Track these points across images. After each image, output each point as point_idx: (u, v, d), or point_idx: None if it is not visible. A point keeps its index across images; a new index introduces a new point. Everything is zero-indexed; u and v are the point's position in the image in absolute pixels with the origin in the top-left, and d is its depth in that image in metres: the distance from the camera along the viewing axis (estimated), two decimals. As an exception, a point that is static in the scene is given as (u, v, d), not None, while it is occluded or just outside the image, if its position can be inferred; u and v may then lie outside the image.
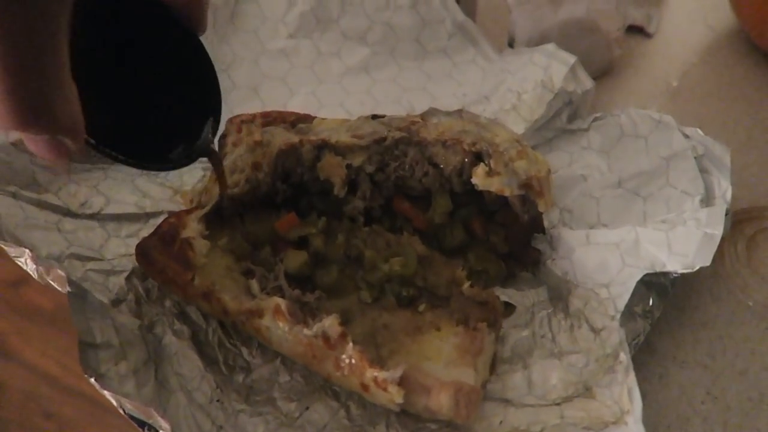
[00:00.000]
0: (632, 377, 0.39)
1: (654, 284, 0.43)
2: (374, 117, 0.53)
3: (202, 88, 0.41)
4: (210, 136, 0.41)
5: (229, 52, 0.71)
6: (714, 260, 0.52)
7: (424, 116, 0.59)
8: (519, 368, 0.44)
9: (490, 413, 0.41)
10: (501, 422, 0.41)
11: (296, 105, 0.68)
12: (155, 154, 0.39)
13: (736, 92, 0.72)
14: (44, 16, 0.25)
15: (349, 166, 0.48)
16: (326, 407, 0.43)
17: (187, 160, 0.41)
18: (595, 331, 0.44)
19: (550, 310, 0.47)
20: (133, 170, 0.59)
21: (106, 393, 0.38)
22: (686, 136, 0.52)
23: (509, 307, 0.49)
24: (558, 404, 0.41)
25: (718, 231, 0.43)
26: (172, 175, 0.60)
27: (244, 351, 0.46)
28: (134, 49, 0.37)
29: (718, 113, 0.70)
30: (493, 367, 0.44)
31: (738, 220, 0.55)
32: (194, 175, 0.60)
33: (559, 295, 0.47)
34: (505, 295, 0.49)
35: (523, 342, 0.46)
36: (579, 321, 0.45)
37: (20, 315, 0.48)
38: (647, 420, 0.42)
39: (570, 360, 0.43)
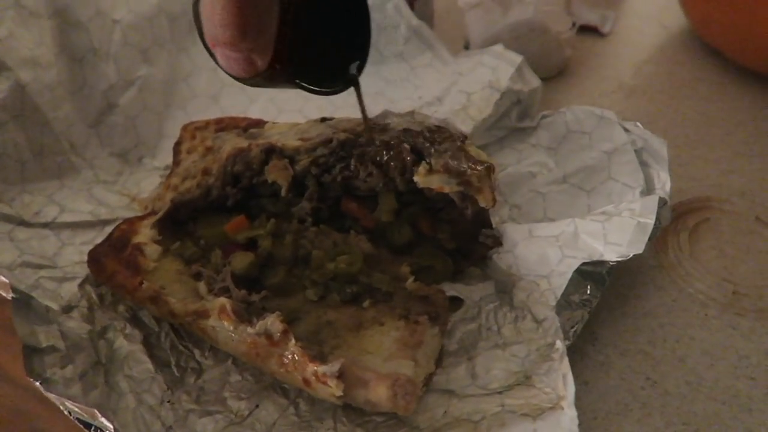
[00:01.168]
0: (566, 363, 0.40)
1: (591, 274, 0.45)
2: (323, 120, 0.54)
3: (357, 28, 0.43)
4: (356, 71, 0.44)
5: (189, 61, 0.72)
6: (657, 251, 0.54)
7: (378, 119, 0.60)
8: (464, 360, 0.45)
9: (434, 404, 0.42)
10: (444, 413, 0.42)
11: (255, 112, 0.69)
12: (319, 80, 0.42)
13: (686, 89, 0.74)
14: None
15: (295, 168, 0.49)
16: (275, 405, 0.44)
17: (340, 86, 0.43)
18: (538, 321, 0.45)
19: (496, 303, 0.48)
20: (90, 179, 0.60)
21: (50, 395, 0.38)
22: (626, 131, 0.53)
23: (458, 302, 0.49)
24: (499, 393, 0.42)
25: (650, 220, 0.44)
26: (130, 182, 0.61)
27: (197, 352, 0.47)
28: None
29: (668, 109, 0.72)
30: (439, 361, 0.45)
31: (681, 212, 0.57)
32: (152, 182, 0.61)
33: (505, 288, 0.49)
34: (453, 290, 0.50)
35: (470, 335, 0.47)
36: (523, 312, 0.46)
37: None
38: (588, 407, 0.44)
39: (513, 350, 0.44)
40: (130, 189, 0.61)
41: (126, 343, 0.46)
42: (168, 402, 0.43)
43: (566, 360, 0.40)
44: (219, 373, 0.46)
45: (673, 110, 0.71)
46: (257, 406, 0.44)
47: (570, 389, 0.38)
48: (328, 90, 0.42)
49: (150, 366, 0.45)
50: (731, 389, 0.44)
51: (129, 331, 0.47)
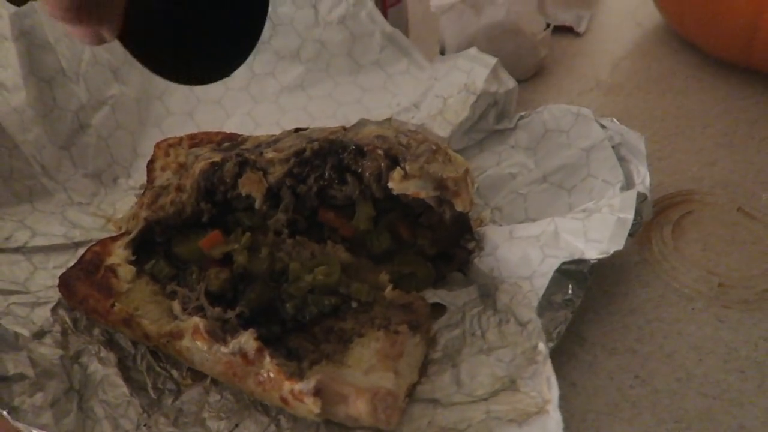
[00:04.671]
0: (549, 366, 0.39)
1: (572, 273, 0.44)
2: (297, 130, 0.53)
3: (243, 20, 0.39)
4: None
5: (163, 80, 0.71)
6: (641, 247, 0.53)
7: (354, 127, 0.59)
8: (448, 368, 0.44)
9: (419, 415, 0.41)
10: (429, 423, 0.40)
11: (232, 126, 0.68)
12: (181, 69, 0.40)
13: (663, 84, 0.74)
14: None
15: (269, 180, 0.48)
16: (256, 423, 0.42)
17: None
18: (522, 324, 0.44)
19: (480, 308, 0.47)
20: (63, 202, 0.59)
21: (18, 425, 0.37)
22: (603, 127, 0.53)
23: (441, 309, 0.49)
24: (485, 400, 0.41)
25: (630, 215, 0.44)
26: (105, 203, 0.60)
27: (175, 373, 0.46)
28: None
29: (647, 105, 0.71)
30: (423, 370, 0.44)
31: (664, 206, 0.56)
32: (127, 202, 0.60)
33: (488, 292, 0.48)
34: (436, 296, 0.49)
35: (454, 341, 0.46)
36: (507, 316, 0.45)
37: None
38: (577, 409, 0.43)
39: (498, 355, 0.43)
40: (106, 210, 0.60)
41: (101, 367, 0.45)
42: (145, 426, 0.42)
43: (549, 362, 0.39)
44: (198, 394, 0.45)
45: (651, 105, 0.71)
46: (237, 425, 0.42)
47: (554, 392, 0.37)
48: (178, 79, 0.40)
49: (125, 389, 0.44)
50: (722, 383, 0.43)
51: (104, 355, 0.46)
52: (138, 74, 0.68)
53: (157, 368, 0.46)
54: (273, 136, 0.55)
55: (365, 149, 0.47)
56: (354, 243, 0.50)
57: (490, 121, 0.61)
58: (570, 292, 0.43)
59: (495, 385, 0.41)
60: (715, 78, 0.74)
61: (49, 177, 0.59)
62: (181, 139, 0.58)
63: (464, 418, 0.40)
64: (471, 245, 0.50)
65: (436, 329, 0.47)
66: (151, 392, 0.44)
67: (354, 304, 0.45)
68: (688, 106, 0.70)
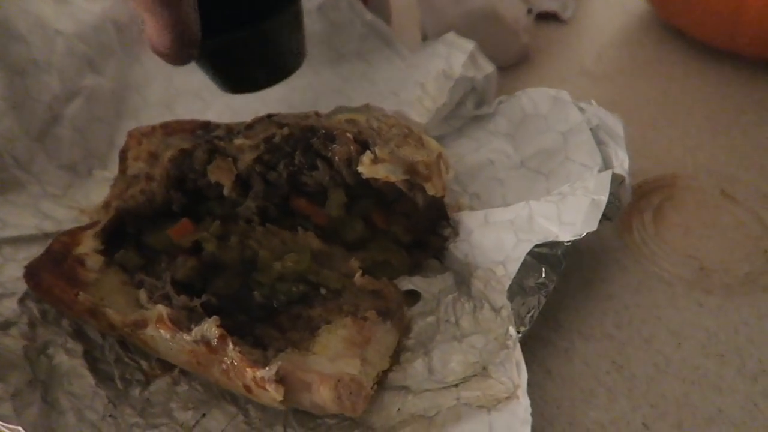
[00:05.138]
0: (518, 351, 0.38)
1: (545, 256, 0.43)
2: (269, 116, 0.52)
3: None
4: None
5: (141, 71, 0.70)
6: (621, 232, 0.52)
7: (329, 114, 0.58)
8: (420, 355, 0.43)
9: (389, 402, 0.40)
10: (399, 410, 0.40)
11: (211, 116, 0.67)
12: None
13: (648, 70, 0.73)
14: None
15: (238, 167, 0.47)
16: (224, 413, 0.42)
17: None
18: (495, 310, 0.43)
19: (455, 294, 0.46)
20: (37, 194, 0.58)
21: (-25, 416, 0.36)
22: (581, 110, 0.52)
23: (415, 296, 0.48)
24: (455, 386, 0.40)
25: (604, 196, 0.43)
26: (80, 194, 0.59)
27: (144, 364, 0.45)
28: None
29: (631, 91, 0.70)
30: (396, 357, 0.43)
31: (646, 191, 0.55)
32: (102, 193, 0.59)
33: (463, 279, 0.47)
34: (411, 283, 0.48)
35: (428, 329, 0.45)
36: (481, 302, 0.44)
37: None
38: (551, 396, 0.42)
39: (470, 341, 0.42)
40: (80, 201, 0.59)
41: (66, 358, 0.44)
42: (110, 416, 0.41)
43: (518, 347, 0.38)
44: (166, 384, 0.44)
45: (636, 92, 0.70)
46: (204, 415, 0.41)
47: (523, 377, 0.37)
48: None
49: (91, 380, 0.43)
50: (700, 369, 0.42)
51: (71, 346, 0.45)
52: (114, 65, 0.67)
53: (126, 359, 0.45)
54: (245, 122, 0.54)
55: (335, 134, 0.46)
56: (327, 231, 0.49)
57: (468, 107, 0.60)
58: (543, 276, 0.42)
59: (467, 372, 0.41)
60: (700, 63, 0.73)
61: (22, 169, 0.58)
62: (154, 128, 0.57)
63: (434, 405, 0.39)
64: (447, 232, 0.49)
65: (410, 317, 0.46)
66: (118, 383, 0.43)
67: (323, 292, 0.44)
68: (673, 92, 0.69)
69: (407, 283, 0.48)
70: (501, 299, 0.43)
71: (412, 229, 0.50)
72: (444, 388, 0.40)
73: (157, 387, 0.43)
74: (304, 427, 0.40)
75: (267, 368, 0.36)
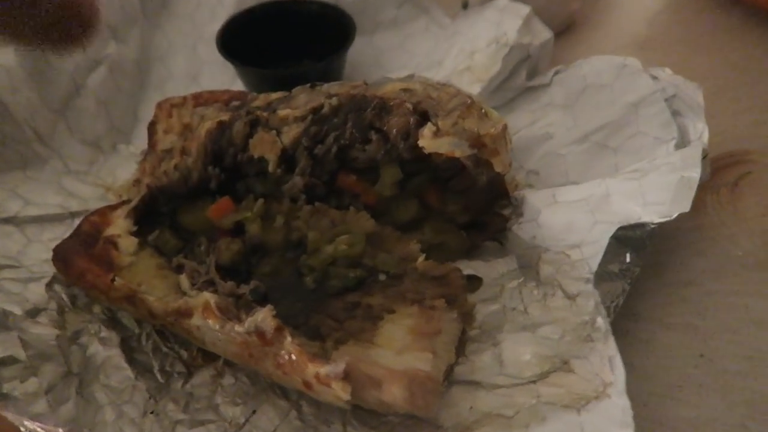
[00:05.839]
0: (612, 344, 0.34)
1: (629, 239, 0.39)
2: (313, 86, 0.48)
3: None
4: None
5: (164, 40, 0.66)
6: (695, 211, 0.48)
7: (375, 84, 0.54)
8: (488, 346, 0.39)
9: (458, 399, 0.37)
10: (471, 408, 0.36)
11: (239, 88, 0.63)
12: None
13: (705, 38, 0.68)
14: None
15: (283, 141, 0.43)
16: (275, 408, 0.38)
17: None
18: (570, 297, 0.39)
19: (520, 280, 0.43)
20: (59, 170, 0.54)
21: (7, 414, 0.33)
22: (654, 78, 0.47)
23: (476, 281, 0.44)
24: (533, 382, 0.36)
25: (695, 173, 0.39)
26: (104, 171, 0.56)
27: (184, 354, 0.42)
28: None
29: (687, 60, 0.66)
30: (461, 348, 0.39)
31: (718, 167, 0.51)
32: (128, 169, 0.55)
33: (529, 263, 0.43)
34: (470, 267, 0.44)
35: (493, 317, 0.41)
36: (552, 288, 0.41)
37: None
38: (633, 392, 0.38)
39: (544, 332, 0.39)
40: (105, 178, 0.55)
41: (101, 349, 0.40)
42: (152, 413, 0.38)
43: (612, 340, 0.34)
44: (210, 376, 0.40)
45: (692, 61, 0.65)
46: (254, 411, 0.38)
47: (619, 374, 0.33)
48: None
49: (130, 373, 0.39)
50: (798, 363, 0.39)
51: (105, 335, 0.41)
52: (137, 34, 0.63)
53: (165, 349, 0.42)
54: (284, 93, 0.49)
55: (391, 104, 0.42)
56: (377, 210, 0.45)
57: (522, 78, 0.55)
58: (627, 260, 0.38)
59: (544, 366, 0.37)
60: (762, 32, 0.68)
61: (43, 143, 0.54)
62: (185, 98, 0.52)
63: (511, 403, 0.35)
64: (507, 211, 0.45)
65: (473, 304, 0.42)
66: (158, 375, 0.40)
67: (382, 277, 0.40)
68: (733, 62, 0.65)
69: (465, 267, 0.44)
70: (576, 285, 0.39)
71: (469, 208, 0.46)
72: (519, 384, 0.36)
73: (200, 379, 0.40)
74: (366, 426, 0.37)
75: (332, 364, 0.32)
